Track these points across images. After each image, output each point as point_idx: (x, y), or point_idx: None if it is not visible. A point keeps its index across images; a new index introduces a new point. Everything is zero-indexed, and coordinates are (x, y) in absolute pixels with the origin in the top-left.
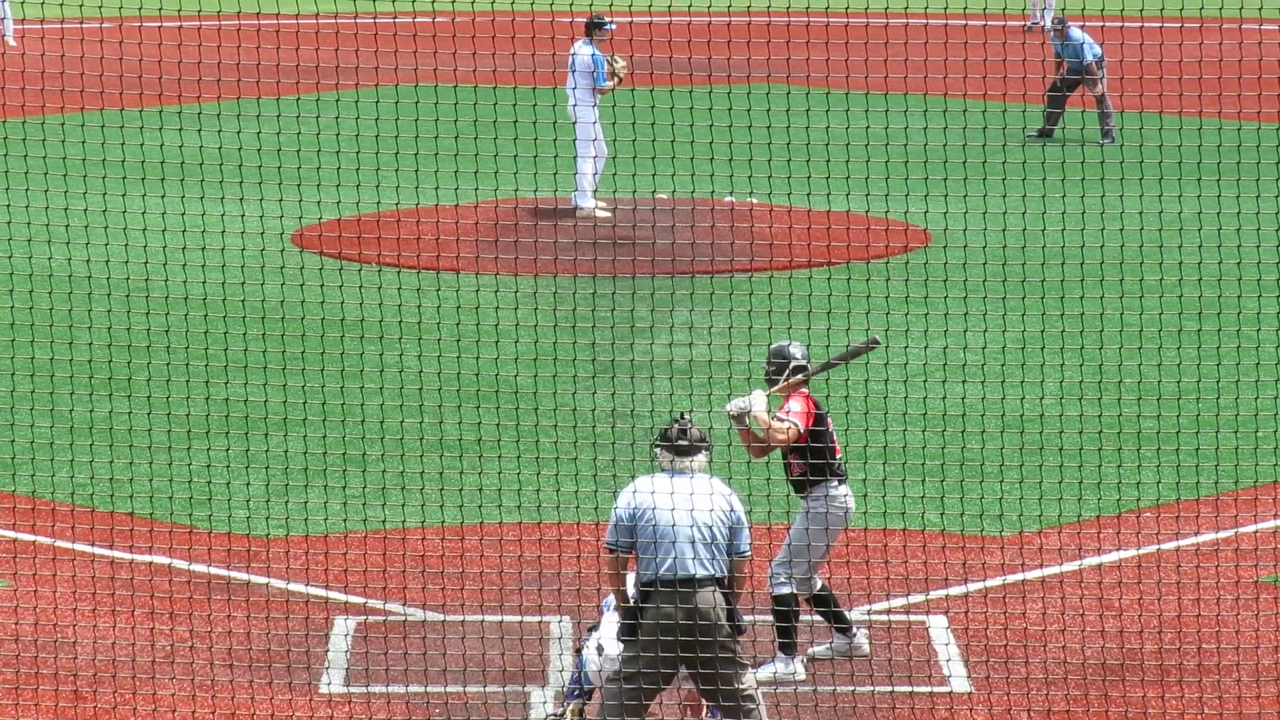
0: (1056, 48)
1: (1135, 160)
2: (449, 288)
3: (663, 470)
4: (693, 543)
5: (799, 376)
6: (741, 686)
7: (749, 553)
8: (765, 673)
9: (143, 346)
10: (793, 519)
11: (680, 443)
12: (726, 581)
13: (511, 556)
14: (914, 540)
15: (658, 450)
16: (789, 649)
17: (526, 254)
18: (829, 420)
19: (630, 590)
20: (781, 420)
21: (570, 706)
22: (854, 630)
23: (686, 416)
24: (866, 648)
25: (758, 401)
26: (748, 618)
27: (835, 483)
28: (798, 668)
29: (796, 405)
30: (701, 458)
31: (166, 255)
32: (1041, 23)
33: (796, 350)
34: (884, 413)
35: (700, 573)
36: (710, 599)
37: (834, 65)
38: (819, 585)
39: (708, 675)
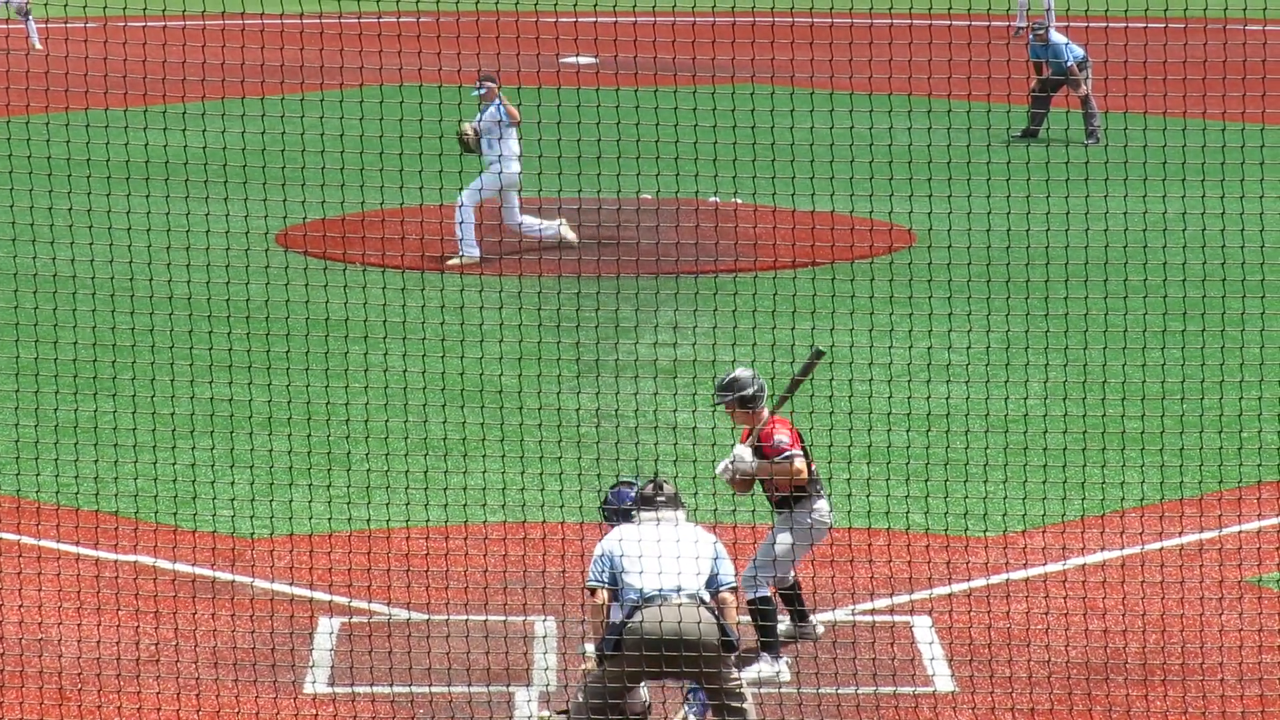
0: (1036, 50)
1: (1119, 160)
2: (433, 287)
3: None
4: (666, 562)
5: (767, 403)
6: (730, 685)
7: (734, 583)
8: (750, 674)
9: (127, 346)
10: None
11: (658, 498)
12: (714, 605)
13: (496, 556)
14: (898, 540)
15: (636, 512)
16: (771, 649)
17: (511, 254)
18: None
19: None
20: (789, 458)
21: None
22: (780, 654)
23: (661, 476)
24: (786, 676)
25: (748, 457)
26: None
27: (817, 498)
28: (782, 668)
29: (785, 436)
30: (680, 514)
31: (150, 255)
32: (1019, 24)
33: (747, 373)
34: (868, 413)
35: (684, 587)
36: (694, 614)
37: (818, 65)
38: (765, 592)
39: (690, 671)
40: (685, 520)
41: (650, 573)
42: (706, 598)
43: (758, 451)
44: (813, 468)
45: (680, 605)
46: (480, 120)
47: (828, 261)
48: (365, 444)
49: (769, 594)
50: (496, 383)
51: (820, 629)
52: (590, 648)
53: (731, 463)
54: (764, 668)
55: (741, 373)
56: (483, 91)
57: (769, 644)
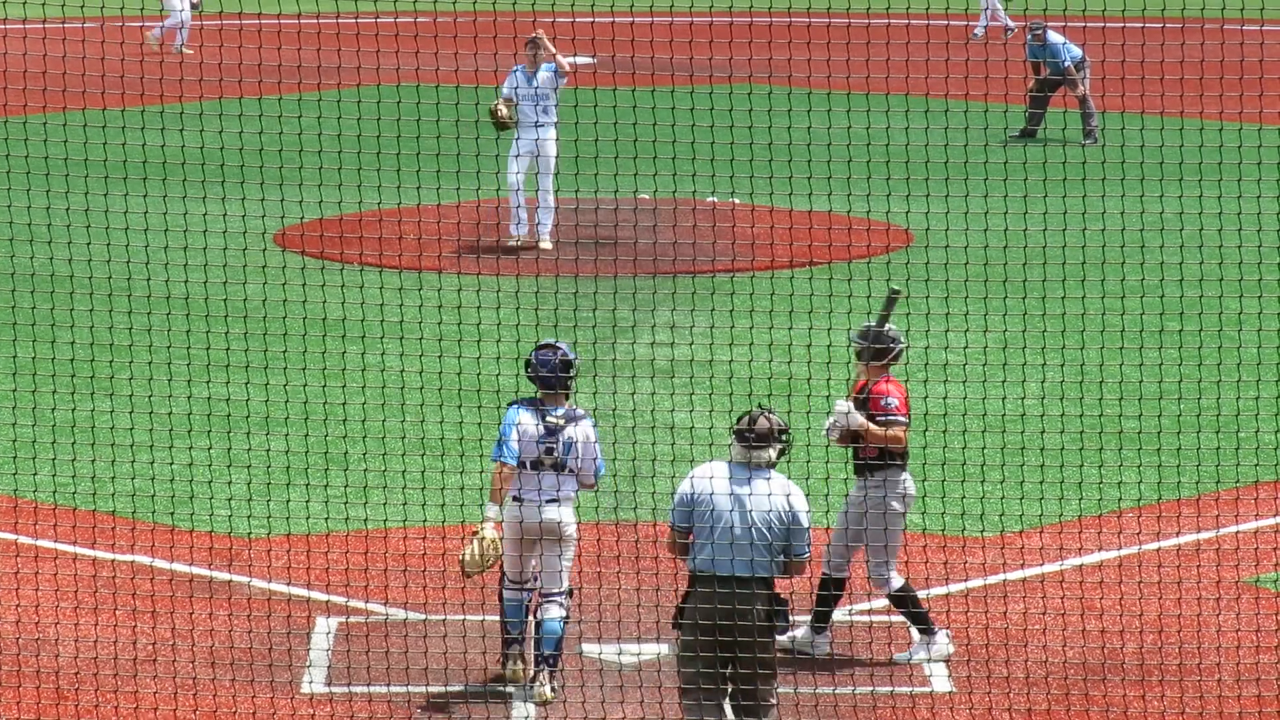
0: (1034, 50)
1: (1117, 160)
2: (430, 287)
3: (733, 461)
4: (741, 543)
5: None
6: (764, 688)
7: (806, 556)
8: (913, 655)
9: (124, 346)
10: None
11: (748, 434)
12: (777, 577)
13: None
14: None
15: (731, 439)
16: (927, 631)
17: (508, 254)
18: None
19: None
20: (895, 423)
21: (511, 654)
22: (828, 632)
23: (766, 408)
24: (826, 649)
25: (858, 417)
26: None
27: (896, 469)
28: (941, 640)
29: (894, 400)
30: (769, 453)
31: (148, 255)
32: (978, 29)
33: (890, 330)
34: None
35: (741, 573)
36: (749, 599)
37: (815, 65)
38: (845, 574)
39: (744, 674)
40: (775, 462)
41: (714, 547)
42: (772, 570)
43: (862, 406)
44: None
45: (736, 589)
46: (534, 85)
47: (825, 261)
48: (363, 444)
49: (903, 582)
50: (494, 383)
51: (825, 646)
52: (586, 648)
53: (838, 421)
54: (923, 649)
55: (886, 327)
56: (537, 41)
57: (924, 629)
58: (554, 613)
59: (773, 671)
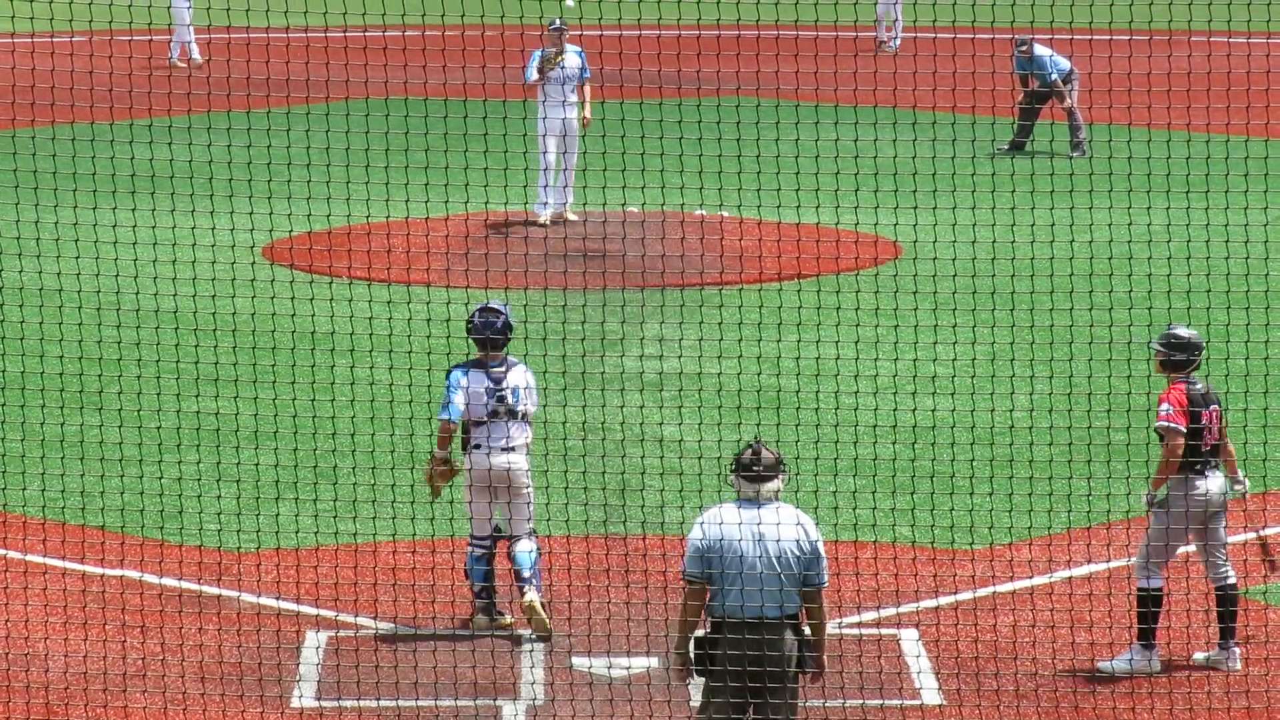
0: (1021, 63)
1: (1105, 173)
2: (419, 301)
3: (738, 499)
4: (766, 580)
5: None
6: (787, 711)
7: (825, 583)
8: (1121, 664)
9: (113, 360)
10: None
11: (755, 469)
12: (804, 613)
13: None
14: (885, 553)
15: (733, 478)
16: (1146, 646)
17: (497, 267)
18: (1204, 410)
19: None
20: (1162, 429)
21: (479, 604)
22: (1154, 648)
23: (760, 441)
24: (1237, 665)
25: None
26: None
27: (1197, 476)
28: (1154, 658)
29: (1169, 406)
30: (776, 483)
31: (137, 268)
32: (887, 40)
33: (1183, 335)
34: (854, 425)
35: (771, 613)
36: (781, 639)
37: (804, 78)
38: (1158, 584)
39: (768, 707)
40: (781, 492)
41: (740, 591)
42: (797, 603)
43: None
44: (1207, 444)
45: (765, 634)
46: (562, 67)
47: (814, 274)
48: (352, 458)
49: (1160, 586)
50: None
51: (1158, 662)
52: (576, 661)
53: None
54: (1136, 659)
55: (1180, 331)
56: (562, 29)
57: (1145, 631)
58: (523, 545)
59: (796, 705)
